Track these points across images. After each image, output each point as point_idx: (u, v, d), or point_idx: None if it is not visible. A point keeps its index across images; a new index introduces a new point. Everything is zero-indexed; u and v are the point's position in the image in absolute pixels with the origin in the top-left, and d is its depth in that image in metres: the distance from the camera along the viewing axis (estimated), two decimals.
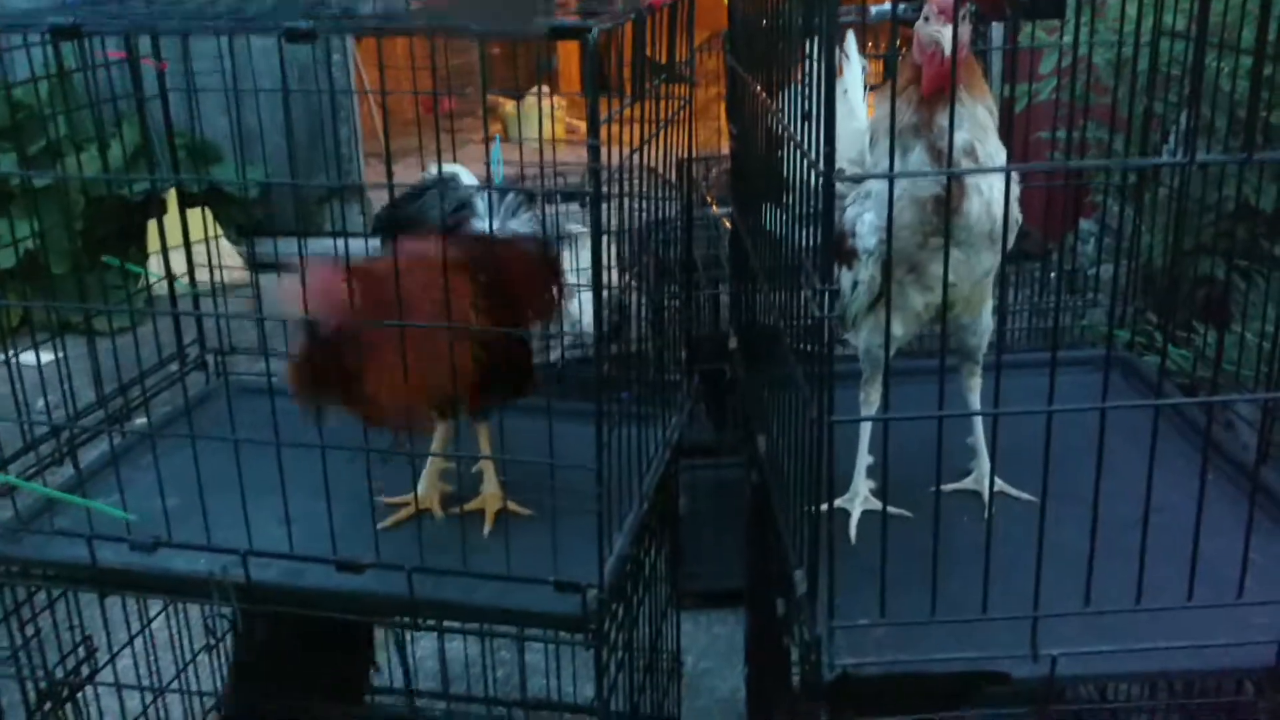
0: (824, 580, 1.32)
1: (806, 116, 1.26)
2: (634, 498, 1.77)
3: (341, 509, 1.68)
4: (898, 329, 1.64)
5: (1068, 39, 2.51)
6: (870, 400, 1.70)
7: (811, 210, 1.25)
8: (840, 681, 1.31)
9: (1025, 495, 1.66)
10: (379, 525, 1.74)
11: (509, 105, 6.70)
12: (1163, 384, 1.31)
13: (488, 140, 1.44)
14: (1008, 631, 1.33)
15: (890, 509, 1.57)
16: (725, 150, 2.46)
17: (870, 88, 1.77)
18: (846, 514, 1.65)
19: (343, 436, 1.64)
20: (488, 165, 1.53)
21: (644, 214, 1.93)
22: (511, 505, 1.84)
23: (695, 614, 3.16)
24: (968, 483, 1.74)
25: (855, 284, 1.66)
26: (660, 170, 1.95)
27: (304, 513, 1.71)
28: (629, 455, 1.73)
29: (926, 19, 1.45)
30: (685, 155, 2.04)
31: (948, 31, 1.40)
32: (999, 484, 1.64)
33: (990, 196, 1.50)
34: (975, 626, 1.35)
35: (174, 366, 2.25)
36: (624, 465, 1.70)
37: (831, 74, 1.12)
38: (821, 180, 1.14)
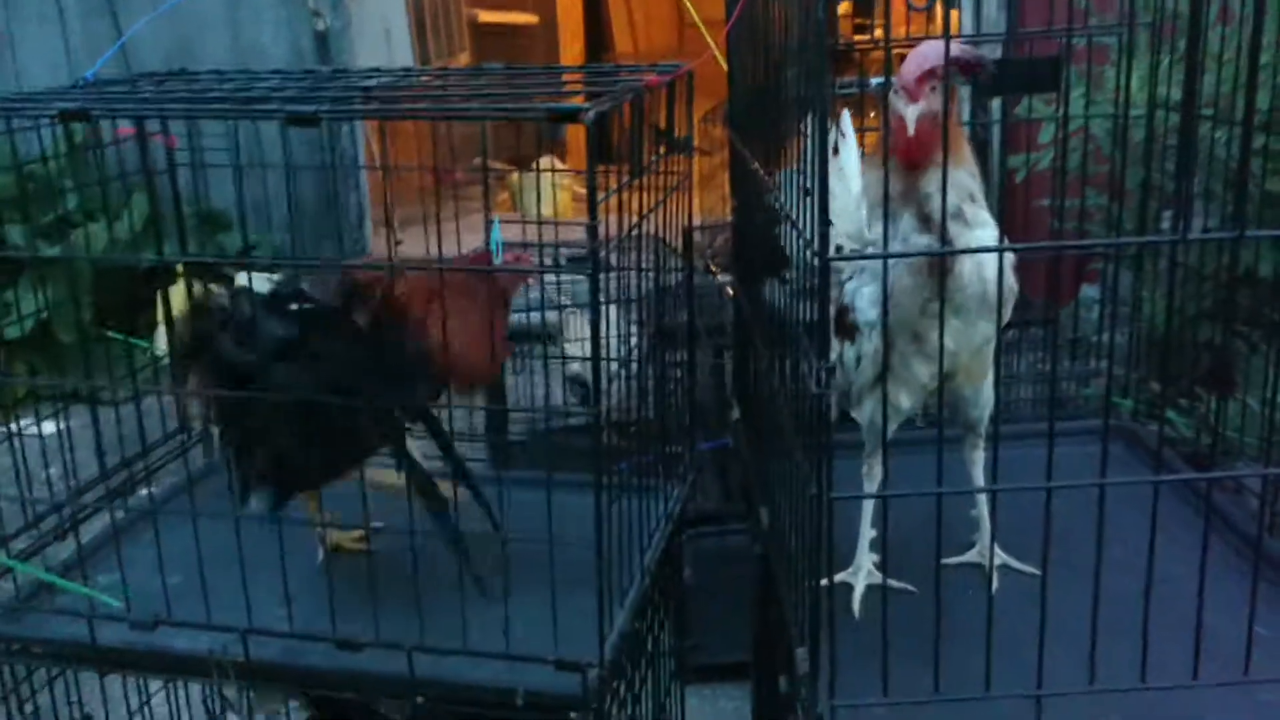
0: (826, 657, 1.31)
1: (805, 193, 1.27)
2: (635, 571, 1.76)
3: (342, 585, 1.67)
4: (904, 401, 1.65)
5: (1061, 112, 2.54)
6: (873, 473, 1.69)
7: (807, 288, 1.26)
8: None
9: (1028, 568, 1.65)
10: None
11: (516, 176, 6.78)
12: (1162, 455, 1.31)
13: (488, 221, 1.46)
14: (1012, 709, 1.32)
15: (893, 583, 1.56)
16: (730, 217, 2.48)
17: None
18: (850, 589, 1.63)
19: (343, 515, 1.64)
20: (487, 247, 1.54)
21: (646, 284, 1.94)
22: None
23: (701, 687, 3.12)
24: (970, 555, 1.72)
25: (859, 358, 1.66)
26: (665, 239, 1.97)
27: (305, 589, 1.71)
28: (630, 528, 1.72)
29: (895, 92, 1.48)
30: (687, 225, 2.06)
31: (912, 109, 1.44)
32: (1001, 557, 1.62)
33: (980, 258, 1.51)
34: (979, 704, 1.34)
35: (178, 439, 2.25)
36: (625, 538, 1.69)
37: (825, 155, 1.13)
38: (817, 261, 1.14)
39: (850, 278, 1.66)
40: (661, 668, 2.20)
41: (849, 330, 1.66)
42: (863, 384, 1.68)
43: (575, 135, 8.63)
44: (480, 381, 1.78)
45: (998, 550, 1.65)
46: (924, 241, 1.50)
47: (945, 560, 1.61)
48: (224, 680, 1.65)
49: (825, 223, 1.12)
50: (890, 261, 1.43)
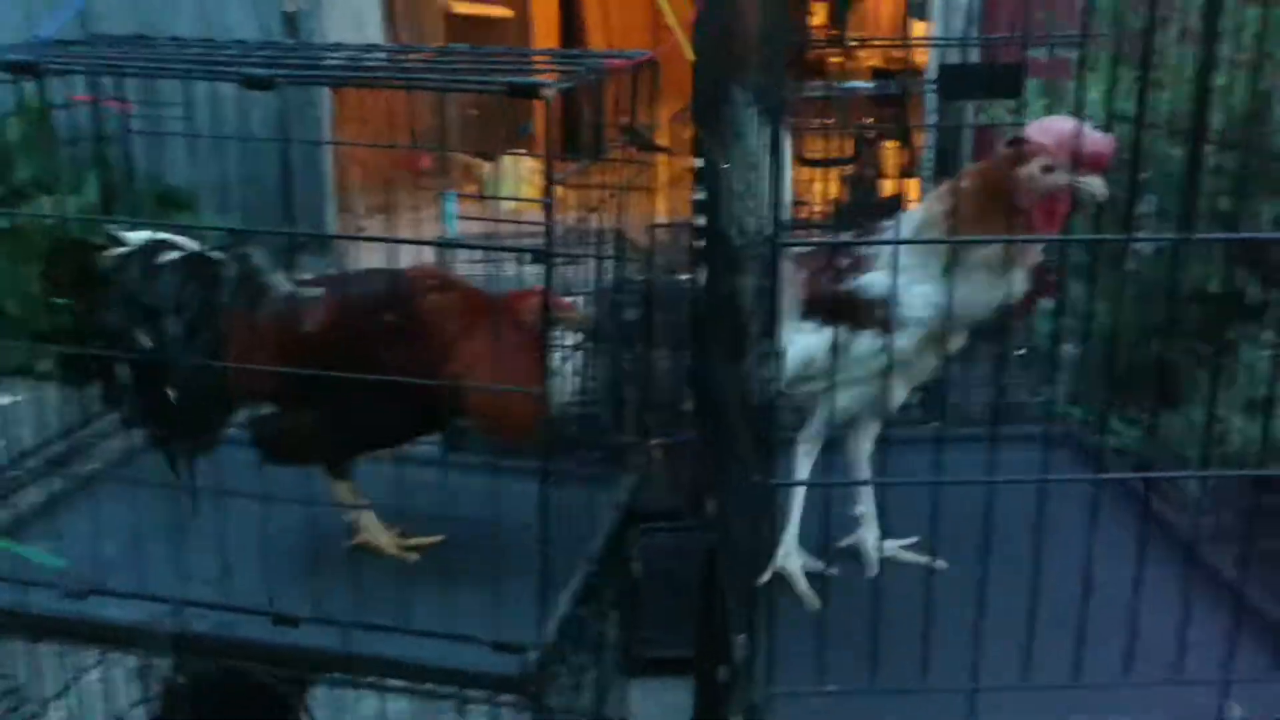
0: (764, 646, 1.31)
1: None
2: (580, 559, 1.75)
3: (281, 561, 1.65)
4: (901, 395, 1.69)
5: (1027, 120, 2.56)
6: (811, 456, 1.72)
7: (761, 276, 1.26)
8: None
9: (919, 559, 1.71)
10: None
11: (486, 166, 6.75)
12: (1103, 459, 1.32)
13: (440, 195, 1.45)
14: (948, 701, 1.32)
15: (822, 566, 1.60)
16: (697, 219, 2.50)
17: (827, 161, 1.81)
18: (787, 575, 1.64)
19: (285, 487, 1.62)
20: (441, 220, 1.53)
21: (604, 275, 1.94)
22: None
23: (648, 680, 3.11)
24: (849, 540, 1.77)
25: (881, 349, 1.63)
26: (626, 233, 1.97)
27: (243, 563, 1.68)
28: (577, 516, 1.72)
29: (1048, 169, 1.51)
30: (649, 219, 2.06)
31: (1098, 183, 1.48)
32: (889, 549, 1.70)
33: None
34: (915, 696, 1.34)
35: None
36: (570, 525, 1.68)
37: (779, 138, 1.13)
38: (770, 245, 1.15)
39: (877, 269, 1.64)
40: (606, 657, 2.20)
41: (872, 321, 1.63)
42: (862, 374, 1.66)
43: (543, 129, 8.62)
44: (519, 431, 1.66)
45: (886, 543, 1.71)
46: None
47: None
48: (156, 652, 1.63)
49: (780, 206, 1.12)
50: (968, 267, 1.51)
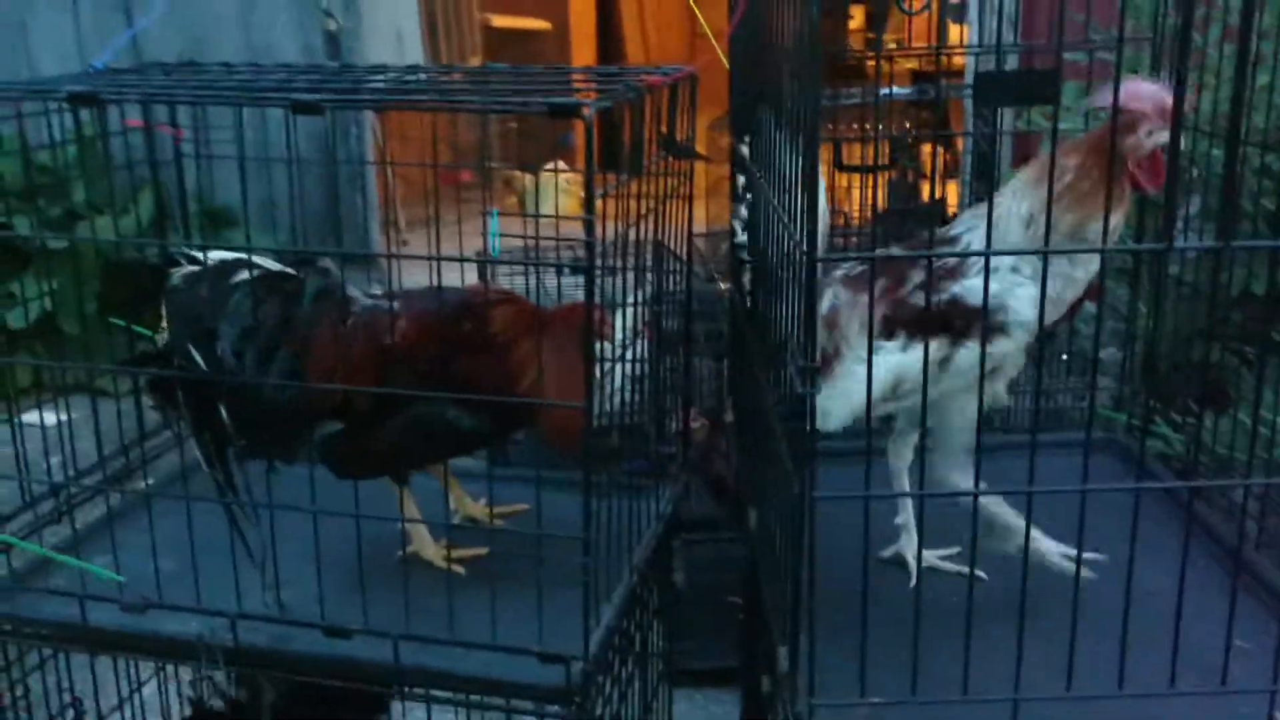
0: (806, 657, 1.32)
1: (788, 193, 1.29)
2: (624, 569, 1.77)
3: (332, 573, 1.69)
4: (1004, 394, 1.68)
5: (1065, 125, 2.55)
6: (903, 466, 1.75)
7: (797, 289, 1.27)
8: None
9: (955, 567, 1.74)
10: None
11: (525, 179, 6.80)
12: (1144, 463, 1.32)
13: (485, 213, 1.47)
14: (989, 713, 1.33)
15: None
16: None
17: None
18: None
19: (334, 501, 1.66)
20: (484, 238, 1.56)
21: (646, 287, 1.96)
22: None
23: (692, 691, 3.13)
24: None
25: (983, 358, 1.60)
26: (668, 244, 1.99)
27: (295, 576, 1.72)
28: (620, 527, 1.74)
29: (1150, 133, 1.53)
30: (688, 229, 2.07)
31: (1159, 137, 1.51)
32: (930, 559, 1.71)
33: None
34: (957, 707, 1.35)
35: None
36: (614, 537, 1.70)
37: (815, 154, 1.15)
38: (805, 260, 1.16)
39: (973, 274, 1.60)
40: (650, 668, 2.21)
41: (975, 329, 1.59)
42: (963, 385, 1.62)
43: (583, 147, 8.66)
44: (569, 439, 1.68)
45: (926, 554, 1.71)
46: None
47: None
48: (212, 665, 1.66)
49: (814, 222, 1.14)
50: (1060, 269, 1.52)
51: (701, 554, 3.18)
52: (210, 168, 2.18)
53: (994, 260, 1.59)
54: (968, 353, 1.58)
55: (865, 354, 1.57)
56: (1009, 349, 1.59)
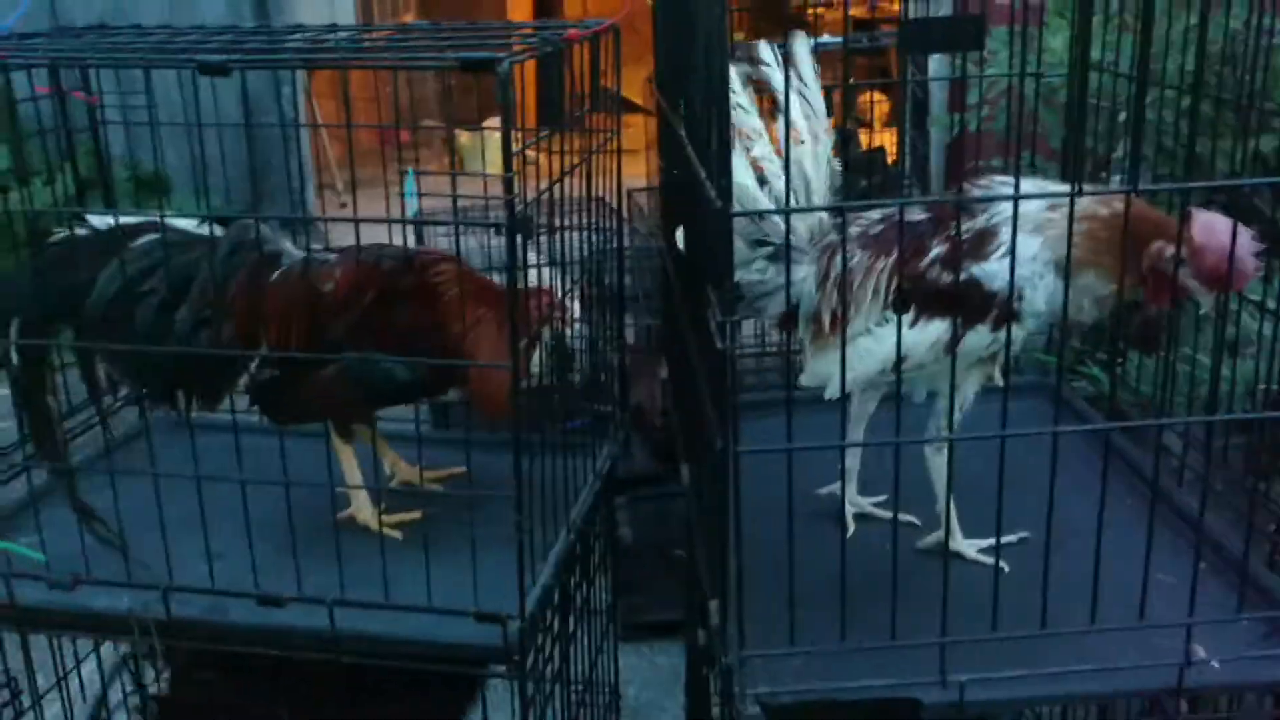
0: (735, 609, 1.33)
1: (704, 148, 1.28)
2: (561, 528, 1.77)
3: (265, 543, 1.67)
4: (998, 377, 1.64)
5: (991, 70, 2.56)
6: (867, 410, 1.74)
7: (713, 246, 1.27)
8: (758, 711, 1.32)
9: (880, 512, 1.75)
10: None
11: (465, 137, 6.72)
12: (1062, 405, 1.34)
13: (401, 172, 1.45)
14: (920, 658, 1.35)
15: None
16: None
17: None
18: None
19: (263, 470, 1.64)
20: (402, 197, 1.54)
21: (577, 245, 1.94)
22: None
23: (639, 644, 3.16)
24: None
25: (989, 343, 1.57)
26: (605, 200, 1.97)
27: (228, 548, 1.71)
28: (555, 485, 1.74)
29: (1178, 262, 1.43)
30: (619, 185, 2.06)
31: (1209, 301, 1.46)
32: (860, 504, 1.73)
33: None
34: (891, 654, 1.36)
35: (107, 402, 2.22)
36: (549, 495, 1.70)
37: (726, 110, 1.14)
38: (719, 217, 1.15)
39: (999, 256, 1.53)
40: (595, 625, 2.22)
41: (988, 314, 1.54)
42: (963, 365, 1.56)
43: (530, 98, 8.56)
44: (496, 407, 1.73)
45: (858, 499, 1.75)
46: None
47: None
48: (145, 638, 1.65)
49: (726, 175, 1.13)
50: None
51: (647, 509, 3.21)
52: (137, 133, 2.12)
53: (1019, 250, 1.48)
54: (977, 336, 1.54)
55: (873, 326, 1.57)
56: (1018, 336, 1.54)
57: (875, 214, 1.65)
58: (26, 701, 1.94)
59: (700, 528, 1.60)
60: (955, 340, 1.51)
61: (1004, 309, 1.50)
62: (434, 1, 8.45)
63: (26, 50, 1.74)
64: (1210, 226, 1.40)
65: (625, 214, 2.17)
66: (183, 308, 1.77)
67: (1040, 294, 1.52)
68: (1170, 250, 1.41)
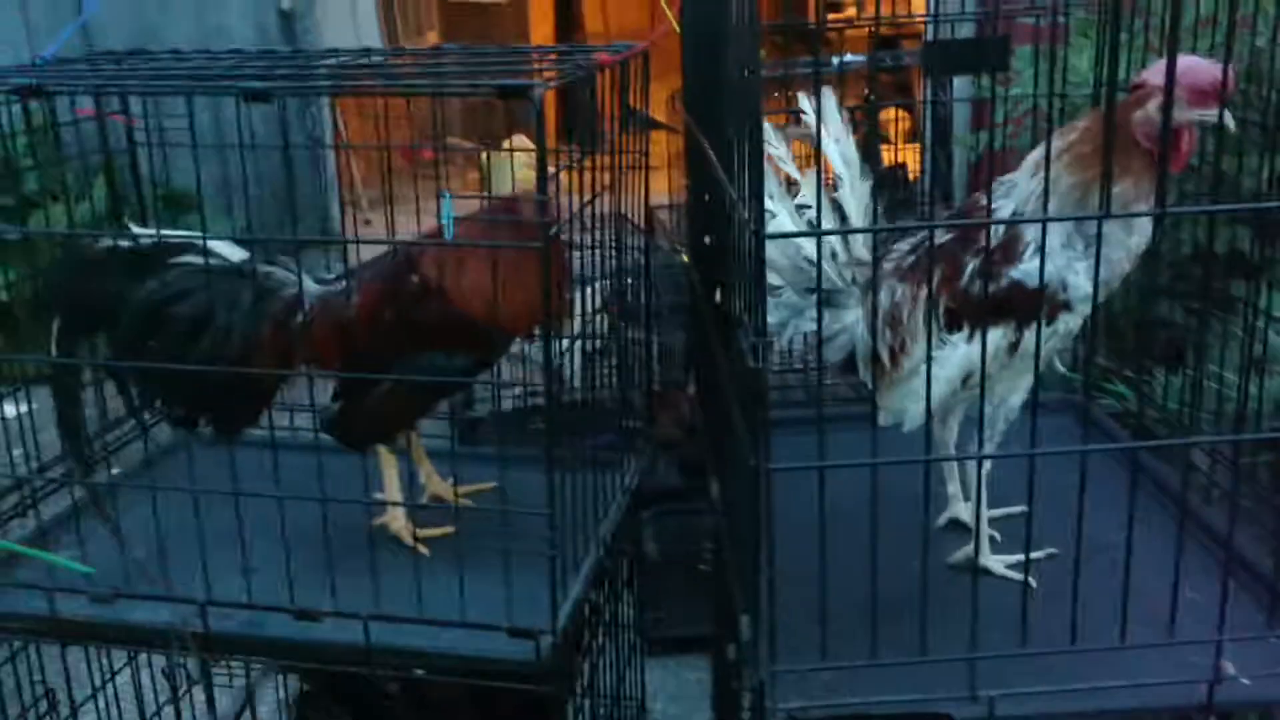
0: (767, 624, 1.35)
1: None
2: (590, 543, 1.80)
3: (301, 557, 1.70)
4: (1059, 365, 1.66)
5: (1016, 90, 2.58)
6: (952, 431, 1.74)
7: (747, 267, 1.29)
8: None
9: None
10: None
11: (485, 155, 6.76)
12: (1092, 424, 1.35)
13: (438, 196, 1.48)
14: (950, 673, 1.36)
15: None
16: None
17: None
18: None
19: (298, 485, 1.67)
20: (438, 221, 1.57)
21: (607, 262, 1.97)
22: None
23: (666, 659, 3.17)
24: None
25: (1048, 337, 1.57)
26: (629, 217, 2.00)
27: (265, 561, 1.73)
28: (585, 501, 1.76)
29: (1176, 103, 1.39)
30: (646, 203, 2.08)
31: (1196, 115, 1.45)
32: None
33: None
34: (920, 668, 1.38)
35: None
36: (580, 511, 1.73)
37: (759, 134, 1.16)
38: (752, 239, 1.18)
39: (1028, 257, 1.55)
40: (622, 639, 2.24)
41: (1037, 311, 1.53)
42: (1025, 366, 1.59)
43: (552, 116, 8.62)
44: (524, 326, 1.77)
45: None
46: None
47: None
48: (184, 652, 1.68)
49: (761, 197, 1.15)
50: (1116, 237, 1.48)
51: (674, 525, 3.23)
52: (168, 154, 2.17)
53: (1044, 240, 1.50)
54: (1033, 335, 1.55)
55: (934, 352, 1.55)
56: (1073, 325, 1.56)
57: (904, 245, 1.66)
58: (65, 712, 1.98)
59: (731, 543, 1.62)
60: (1016, 344, 1.55)
61: (1053, 301, 1.52)
62: (457, 21, 8.52)
63: (71, 76, 1.79)
64: (1156, 69, 1.45)
65: (646, 232, 2.19)
66: (203, 339, 1.82)
67: (1083, 277, 1.53)
68: (1150, 104, 1.45)
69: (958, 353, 1.57)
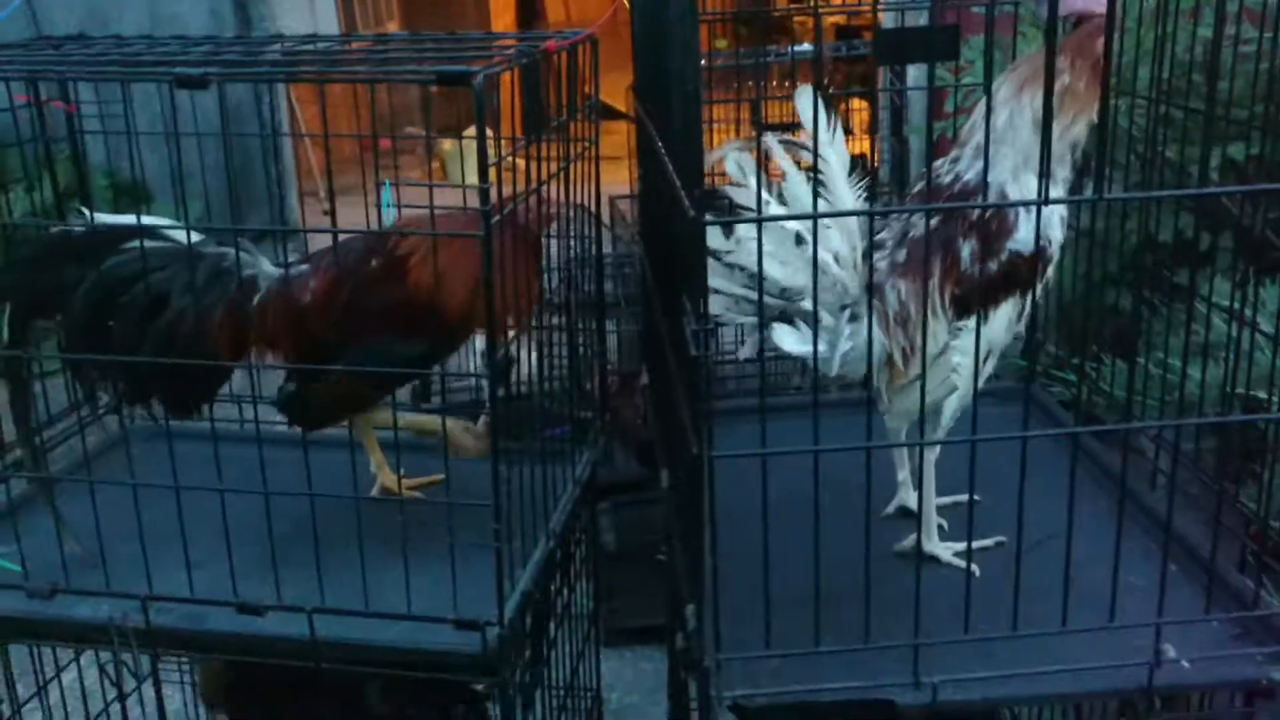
0: (711, 613, 1.34)
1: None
2: (540, 534, 1.78)
3: (244, 552, 1.68)
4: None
5: (968, 79, 2.59)
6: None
7: (685, 254, 1.28)
8: (734, 712, 1.34)
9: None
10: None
11: (447, 144, 6.73)
12: (1028, 411, 1.35)
13: (379, 184, 1.46)
14: (895, 660, 1.36)
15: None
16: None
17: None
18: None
19: (243, 479, 1.64)
20: (379, 208, 1.55)
21: (560, 251, 1.96)
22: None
23: (623, 650, 3.17)
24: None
25: (1032, 303, 1.63)
26: (585, 207, 1.98)
27: (208, 557, 1.71)
28: (535, 492, 1.75)
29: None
30: (597, 192, 2.07)
31: None
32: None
33: None
34: (865, 655, 1.38)
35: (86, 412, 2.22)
36: (529, 502, 1.71)
37: (697, 116, 1.15)
38: (690, 225, 1.17)
39: (1023, 225, 1.57)
40: (578, 630, 2.23)
41: (1036, 271, 1.58)
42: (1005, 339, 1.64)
43: (507, 104, 8.57)
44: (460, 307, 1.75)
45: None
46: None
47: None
48: (125, 647, 1.65)
49: (694, 183, 1.14)
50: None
51: (631, 515, 3.22)
52: (117, 142, 2.13)
53: (1015, 186, 1.57)
54: (1031, 295, 1.61)
55: (945, 339, 1.59)
56: (1051, 272, 1.63)
57: (890, 241, 1.65)
58: (6, 711, 1.94)
59: (679, 532, 1.61)
60: (1023, 310, 1.59)
61: (1045, 258, 1.57)
62: (416, 7, 8.46)
63: (4, 62, 1.75)
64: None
65: (607, 220, 2.18)
66: (161, 318, 1.79)
67: (1057, 225, 1.58)
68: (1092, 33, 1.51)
69: (975, 337, 1.55)
